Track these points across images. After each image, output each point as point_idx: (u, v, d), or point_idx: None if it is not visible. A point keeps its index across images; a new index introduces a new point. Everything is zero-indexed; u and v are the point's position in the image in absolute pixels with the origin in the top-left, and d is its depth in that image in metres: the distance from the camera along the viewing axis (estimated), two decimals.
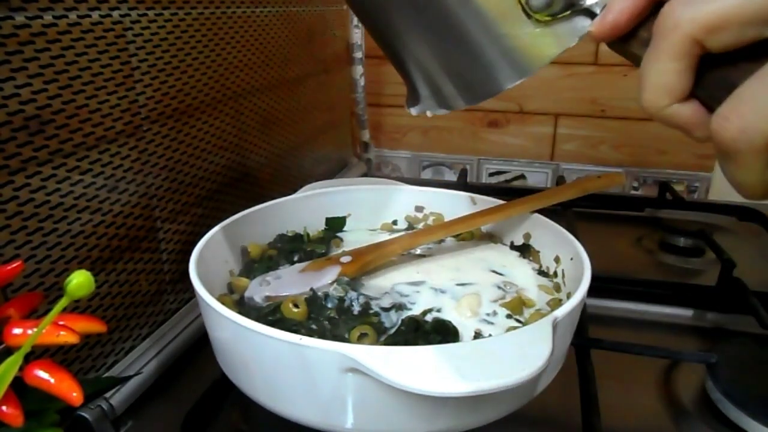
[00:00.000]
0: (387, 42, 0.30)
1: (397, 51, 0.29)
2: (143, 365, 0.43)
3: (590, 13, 0.25)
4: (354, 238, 0.55)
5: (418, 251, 0.52)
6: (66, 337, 0.25)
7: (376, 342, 0.38)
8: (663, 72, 0.21)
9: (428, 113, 0.31)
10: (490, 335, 0.39)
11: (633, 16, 0.23)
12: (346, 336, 0.39)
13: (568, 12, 0.25)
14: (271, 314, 0.40)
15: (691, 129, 0.22)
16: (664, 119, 0.22)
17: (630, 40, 0.24)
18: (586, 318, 0.47)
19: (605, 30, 0.24)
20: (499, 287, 0.46)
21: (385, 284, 0.45)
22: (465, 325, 0.40)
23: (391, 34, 0.29)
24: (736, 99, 0.19)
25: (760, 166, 0.19)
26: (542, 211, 0.51)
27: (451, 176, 1.03)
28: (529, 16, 0.25)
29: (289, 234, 0.53)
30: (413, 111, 0.32)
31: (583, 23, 0.25)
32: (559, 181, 0.84)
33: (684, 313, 0.56)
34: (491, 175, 1.02)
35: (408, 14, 0.27)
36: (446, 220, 0.57)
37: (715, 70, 0.21)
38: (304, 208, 0.55)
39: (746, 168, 0.20)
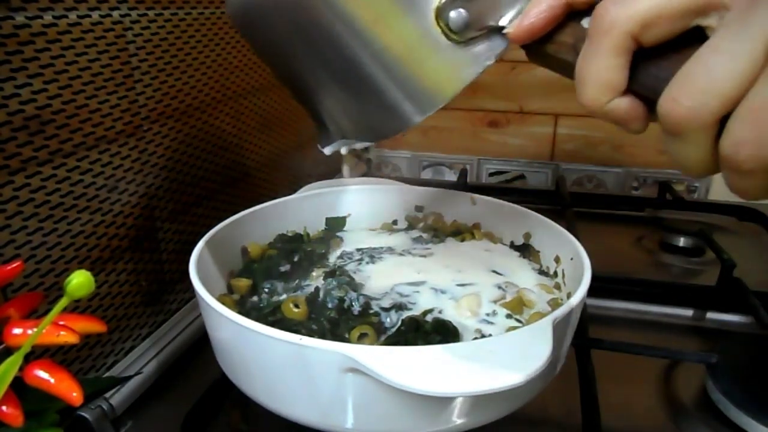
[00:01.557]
0: (292, 83, 0.30)
1: (301, 91, 0.29)
2: (143, 365, 0.43)
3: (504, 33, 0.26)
4: (354, 237, 0.55)
5: (419, 251, 0.52)
6: (66, 337, 0.25)
7: (376, 342, 0.38)
8: (603, 69, 0.22)
9: (343, 150, 0.31)
10: (490, 335, 0.39)
11: (548, 21, 0.24)
12: (346, 336, 0.39)
13: (485, 31, 0.26)
14: (271, 314, 0.40)
15: (628, 122, 0.23)
16: (605, 114, 0.23)
17: (546, 45, 0.25)
18: (586, 318, 0.47)
19: (522, 33, 0.25)
20: (499, 287, 0.45)
21: (385, 284, 0.45)
22: (465, 325, 0.40)
23: (294, 76, 0.29)
24: (681, 80, 0.20)
25: (707, 142, 0.20)
26: (542, 211, 0.51)
27: (451, 176, 1.02)
28: (447, 37, 0.25)
29: (289, 234, 0.53)
30: (326, 150, 0.32)
31: (500, 42, 0.26)
32: (559, 181, 0.85)
33: (684, 313, 0.56)
34: (491, 175, 1.01)
35: (311, 61, 0.27)
36: (446, 219, 0.57)
37: (648, 63, 0.22)
38: (304, 208, 0.55)
39: (695, 145, 0.21)
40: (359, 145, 0.30)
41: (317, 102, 0.29)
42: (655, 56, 0.22)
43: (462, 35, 0.25)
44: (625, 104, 0.23)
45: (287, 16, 0.26)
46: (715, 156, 0.21)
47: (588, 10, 0.23)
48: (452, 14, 0.25)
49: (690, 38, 0.21)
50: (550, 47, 0.25)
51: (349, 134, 0.30)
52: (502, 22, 0.26)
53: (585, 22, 0.24)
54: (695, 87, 0.20)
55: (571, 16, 0.24)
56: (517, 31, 0.25)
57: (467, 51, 0.26)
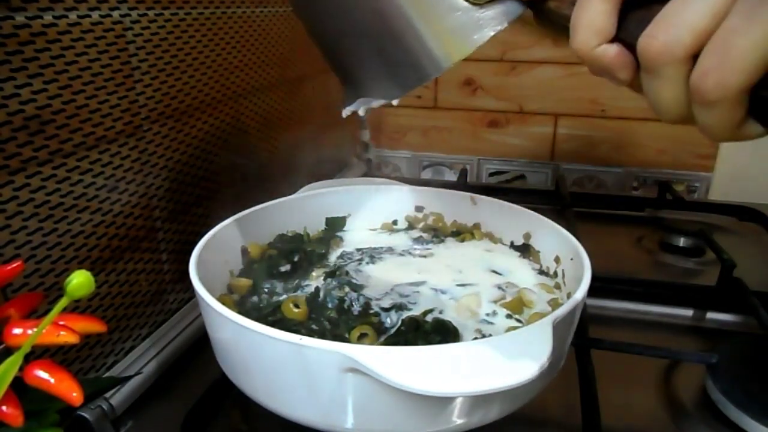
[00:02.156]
0: (321, 39, 0.30)
1: (330, 49, 0.30)
2: (143, 365, 0.43)
3: None
4: (354, 237, 0.55)
5: (419, 251, 0.52)
6: (66, 337, 0.25)
7: (376, 342, 0.38)
8: (594, 13, 0.23)
9: (361, 111, 0.31)
10: (490, 335, 0.39)
11: None
12: (346, 336, 0.39)
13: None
14: (272, 314, 0.40)
15: (615, 69, 0.24)
16: (594, 59, 0.24)
17: (549, 1, 0.27)
18: (586, 318, 0.47)
19: None
20: (499, 287, 0.46)
21: (385, 285, 0.45)
22: (465, 325, 0.40)
23: (324, 32, 0.30)
24: (658, 19, 0.21)
25: (679, 78, 0.21)
26: (542, 211, 0.51)
27: (451, 176, 1.03)
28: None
29: (289, 234, 0.53)
30: (345, 111, 0.33)
31: (515, 8, 0.27)
32: (559, 181, 0.85)
33: (684, 313, 0.56)
34: (491, 175, 1.01)
35: (341, 14, 0.28)
36: (446, 220, 0.57)
37: (634, 11, 0.23)
38: (304, 208, 0.55)
39: (669, 82, 0.22)
40: (376, 104, 0.31)
41: (343, 59, 0.31)
42: (641, 5, 0.23)
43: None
44: (612, 50, 0.24)
45: None
46: (687, 97, 0.21)
47: None
48: None
49: None
50: (553, 3, 0.26)
51: (370, 92, 0.31)
52: None
53: None
54: (669, 23, 0.21)
55: None
56: None
57: (484, 13, 0.27)
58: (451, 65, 0.28)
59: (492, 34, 0.27)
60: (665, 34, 0.21)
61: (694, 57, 0.21)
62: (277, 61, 0.65)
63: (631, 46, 0.23)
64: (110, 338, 0.43)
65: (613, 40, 0.24)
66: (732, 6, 0.19)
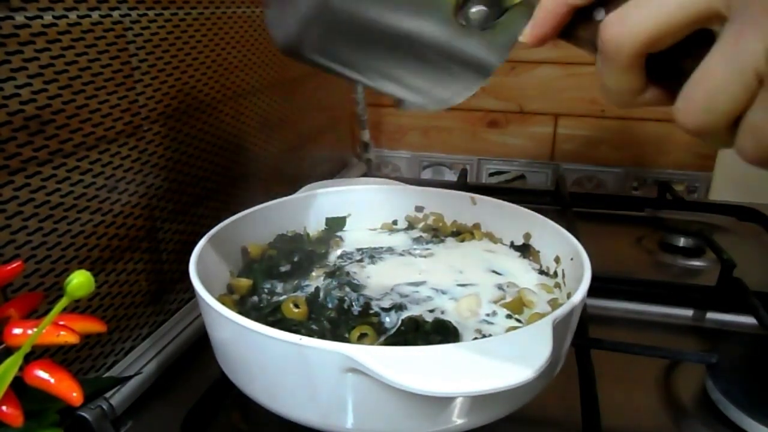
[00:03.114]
0: (361, 77, 0.31)
1: (373, 82, 0.31)
2: (143, 365, 0.43)
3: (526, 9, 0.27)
4: (354, 237, 0.55)
5: (419, 251, 0.52)
6: (66, 337, 0.25)
7: (376, 342, 0.38)
8: (620, 81, 0.24)
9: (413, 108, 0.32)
10: (490, 335, 0.39)
11: (556, 24, 0.26)
12: (346, 336, 0.39)
13: (504, 17, 0.27)
14: (271, 314, 0.40)
15: (658, 104, 0.25)
16: (635, 107, 0.25)
17: (567, 39, 0.27)
18: (586, 318, 0.47)
19: (535, 40, 0.27)
20: (499, 287, 0.46)
21: (385, 285, 0.45)
22: (465, 325, 0.40)
23: (364, 72, 0.30)
24: (686, 97, 0.22)
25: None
26: (542, 211, 0.51)
27: (451, 176, 1.03)
28: (474, 28, 0.27)
29: (289, 234, 0.53)
30: (406, 109, 0.33)
31: (520, 24, 0.27)
32: (559, 181, 0.85)
33: (684, 313, 0.56)
34: (491, 175, 1.01)
35: (372, 54, 0.28)
36: (446, 220, 0.57)
37: (662, 60, 0.23)
38: (304, 208, 0.55)
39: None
40: (433, 108, 0.32)
41: (389, 84, 0.31)
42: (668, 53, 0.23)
43: (485, 24, 0.27)
44: (648, 96, 0.24)
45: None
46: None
47: (597, 2, 0.24)
48: (472, 11, 0.26)
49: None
50: (571, 41, 0.27)
51: (424, 106, 0.32)
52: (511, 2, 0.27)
53: (598, 14, 0.24)
54: (698, 106, 0.22)
55: (582, 11, 0.25)
56: (530, 39, 0.27)
57: (498, 26, 0.27)
58: (484, 82, 0.28)
59: (517, 37, 0.27)
60: (696, 118, 0.22)
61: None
62: (277, 61, 0.66)
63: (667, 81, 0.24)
64: (110, 338, 0.43)
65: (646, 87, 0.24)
66: (757, 91, 0.20)
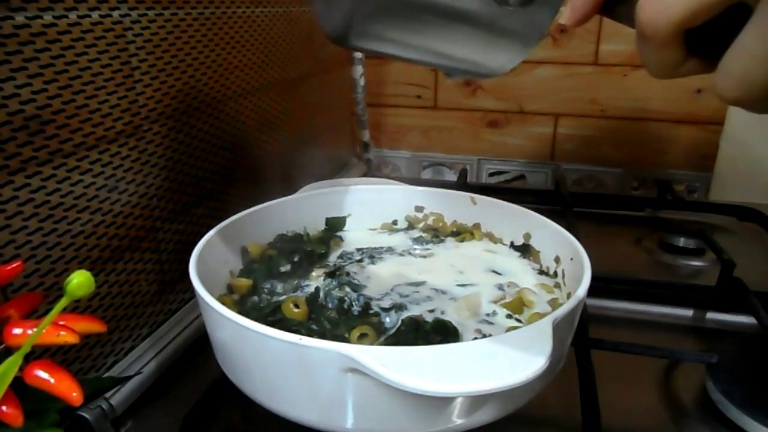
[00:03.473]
0: (409, 55, 0.31)
1: (421, 58, 0.31)
2: (143, 365, 0.43)
3: None
4: (354, 237, 0.55)
5: (419, 251, 0.52)
6: (66, 337, 0.25)
7: (376, 342, 0.38)
8: (658, 57, 0.24)
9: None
10: (490, 335, 0.39)
11: (592, 7, 0.27)
12: (346, 336, 0.39)
13: None
14: (272, 314, 0.40)
15: (700, 73, 0.25)
16: (676, 77, 0.25)
17: (607, 15, 0.27)
18: (586, 318, 0.47)
19: (573, 22, 0.28)
20: (499, 287, 0.46)
21: (385, 285, 0.45)
22: (465, 325, 0.40)
23: (411, 50, 0.31)
24: (724, 69, 0.22)
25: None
26: (542, 211, 0.51)
27: (451, 176, 1.03)
28: (513, 6, 0.27)
29: (289, 234, 0.53)
30: (450, 80, 0.34)
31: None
32: (559, 181, 0.85)
33: (684, 313, 0.56)
34: (491, 175, 1.02)
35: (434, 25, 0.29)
36: (446, 220, 0.57)
37: (700, 32, 0.23)
38: (304, 208, 0.55)
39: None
40: (482, 77, 0.33)
41: (438, 59, 0.31)
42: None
43: (526, 2, 0.27)
44: (689, 67, 0.25)
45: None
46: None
47: None
48: None
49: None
50: (611, 16, 0.27)
51: (473, 76, 0.33)
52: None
53: None
54: (736, 79, 0.22)
55: None
56: (569, 21, 0.28)
57: (537, 2, 0.27)
58: (527, 53, 0.29)
59: (554, 15, 0.28)
60: (736, 90, 0.22)
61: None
62: (277, 61, 0.66)
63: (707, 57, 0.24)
64: (110, 338, 0.43)
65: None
66: None
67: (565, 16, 0.28)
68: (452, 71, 0.33)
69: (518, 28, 0.28)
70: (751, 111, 0.24)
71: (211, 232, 0.44)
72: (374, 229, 0.57)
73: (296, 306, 0.40)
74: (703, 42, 0.24)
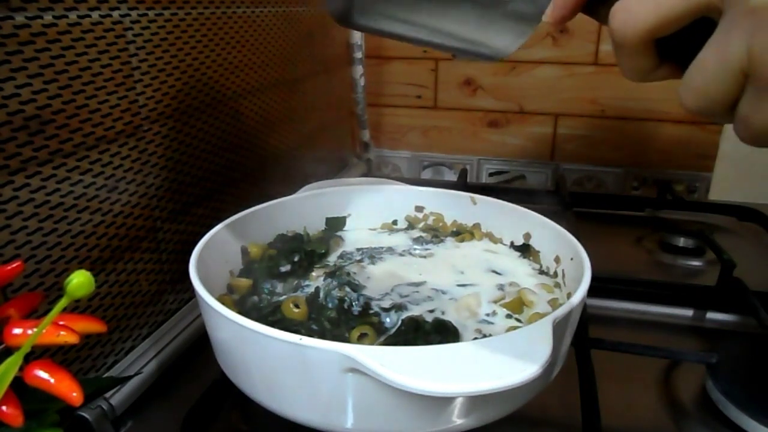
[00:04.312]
0: (412, 33, 0.31)
1: (423, 36, 0.31)
2: (143, 365, 0.43)
3: None
4: (354, 237, 0.55)
5: (419, 251, 0.52)
6: (66, 337, 0.25)
7: (376, 342, 0.38)
8: (632, 62, 0.25)
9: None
10: (490, 335, 0.39)
11: (573, 7, 0.28)
12: (346, 336, 0.39)
13: None
14: (272, 314, 0.40)
15: (671, 78, 0.26)
16: (651, 81, 0.27)
17: (590, 15, 0.28)
18: (586, 318, 0.47)
19: (556, 20, 0.29)
20: (499, 287, 0.46)
21: (385, 285, 0.45)
22: (465, 325, 0.40)
23: (416, 30, 0.31)
24: (687, 81, 0.23)
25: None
26: (542, 211, 0.51)
27: (451, 176, 1.02)
28: None
29: (289, 234, 0.53)
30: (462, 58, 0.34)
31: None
32: (559, 181, 0.85)
33: (684, 313, 0.56)
34: (491, 175, 1.01)
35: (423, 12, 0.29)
36: (446, 220, 0.57)
37: (668, 41, 0.24)
38: (304, 208, 0.55)
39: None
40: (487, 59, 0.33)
41: (444, 38, 0.32)
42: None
43: None
44: (662, 73, 0.26)
45: None
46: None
47: None
48: None
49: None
50: (594, 17, 0.28)
51: (478, 57, 0.33)
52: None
53: None
54: (696, 92, 0.23)
55: None
56: (551, 18, 0.29)
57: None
58: (524, 40, 0.29)
59: (545, 6, 0.28)
60: (695, 103, 0.23)
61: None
62: (277, 61, 0.66)
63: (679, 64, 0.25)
64: (110, 338, 0.43)
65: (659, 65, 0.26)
66: (745, 86, 0.22)
67: (547, 13, 0.28)
68: (457, 52, 0.33)
69: (519, 6, 0.28)
70: (715, 121, 0.25)
71: (211, 232, 0.44)
72: (374, 229, 0.57)
73: (296, 306, 0.40)
74: (676, 50, 0.24)
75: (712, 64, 0.22)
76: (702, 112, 0.23)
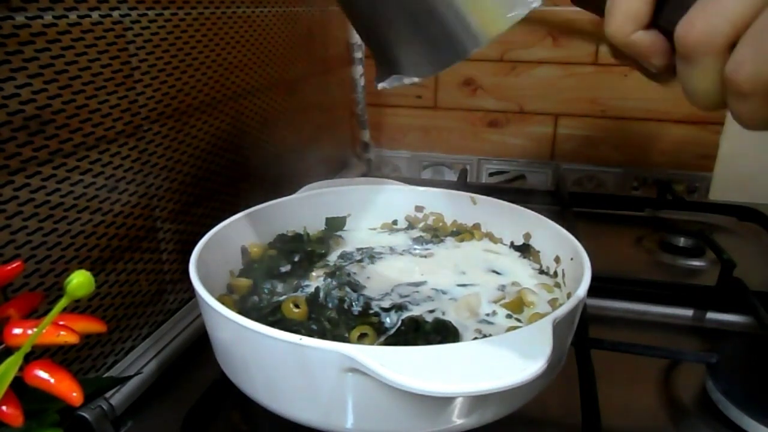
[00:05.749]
0: (359, 19, 0.31)
1: (369, 27, 0.31)
2: (143, 365, 0.43)
3: None
4: (354, 237, 0.55)
5: (419, 251, 0.52)
6: (66, 337, 0.25)
7: (376, 342, 0.38)
8: (630, 0, 0.23)
9: (394, 84, 0.32)
10: (490, 335, 0.39)
11: None
12: (346, 336, 0.39)
13: None
14: (272, 314, 0.40)
15: (650, 56, 0.24)
16: (629, 45, 0.24)
17: (582, 5, 0.27)
18: (586, 318, 0.47)
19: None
20: (500, 287, 0.46)
21: (385, 285, 0.45)
22: (465, 325, 0.40)
23: (364, 13, 0.30)
24: (698, 6, 0.21)
25: (715, 67, 0.21)
26: (542, 211, 0.51)
27: (451, 176, 1.02)
28: None
29: (289, 234, 0.53)
30: (380, 85, 0.33)
31: None
32: (559, 181, 0.85)
33: (684, 313, 0.56)
34: (491, 175, 1.01)
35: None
36: (446, 220, 0.57)
37: None
38: (304, 208, 0.55)
39: (705, 70, 0.22)
40: (408, 81, 0.31)
41: (377, 35, 0.31)
42: None
43: None
44: (648, 37, 0.24)
45: None
46: (722, 86, 0.22)
47: None
48: None
49: None
50: (583, 6, 0.27)
51: (405, 69, 0.31)
52: None
53: None
54: (709, 11, 0.21)
55: None
56: (540, 3, 0.27)
57: None
58: (489, 41, 0.27)
59: (526, 12, 0.26)
60: (704, 22, 0.21)
61: (732, 46, 0.21)
62: (277, 61, 0.66)
63: (667, 33, 0.23)
64: (110, 338, 0.43)
65: (648, 26, 0.23)
66: None
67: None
68: (383, 73, 0.32)
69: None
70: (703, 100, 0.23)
71: (211, 232, 0.44)
72: (374, 229, 0.57)
73: (296, 306, 0.40)
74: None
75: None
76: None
